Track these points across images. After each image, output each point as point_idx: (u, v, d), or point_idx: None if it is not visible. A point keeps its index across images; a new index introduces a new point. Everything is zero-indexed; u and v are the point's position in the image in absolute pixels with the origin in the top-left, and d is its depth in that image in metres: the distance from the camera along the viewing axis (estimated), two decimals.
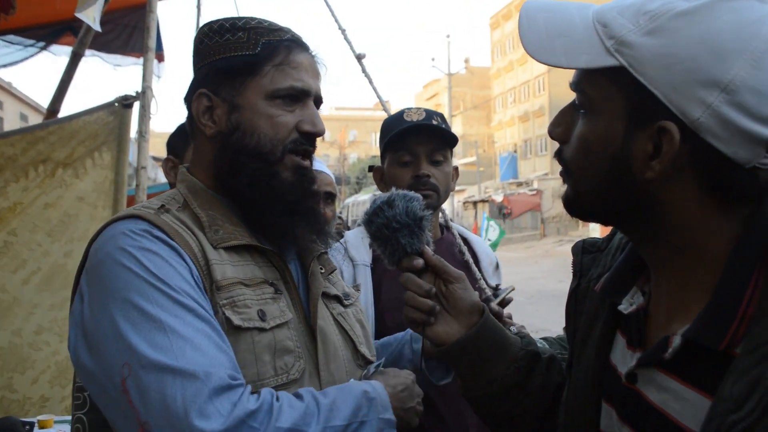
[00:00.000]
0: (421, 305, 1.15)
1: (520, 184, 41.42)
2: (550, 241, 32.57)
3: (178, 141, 2.30)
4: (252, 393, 1.06)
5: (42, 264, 3.38)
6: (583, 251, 1.13)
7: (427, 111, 2.01)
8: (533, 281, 14.88)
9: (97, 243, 1.17)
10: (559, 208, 36.24)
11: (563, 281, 17.46)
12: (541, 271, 19.18)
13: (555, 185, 37.09)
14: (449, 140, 2.00)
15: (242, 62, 1.25)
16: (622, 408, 0.93)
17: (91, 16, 3.14)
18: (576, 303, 1.11)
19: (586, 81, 0.90)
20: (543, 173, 41.69)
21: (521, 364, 1.16)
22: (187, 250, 1.15)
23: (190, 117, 1.32)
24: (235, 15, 1.34)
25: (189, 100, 1.32)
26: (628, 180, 0.87)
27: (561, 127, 0.96)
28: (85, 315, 1.10)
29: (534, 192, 36.72)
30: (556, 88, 45.07)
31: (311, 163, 1.33)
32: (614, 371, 0.97)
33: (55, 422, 2.78)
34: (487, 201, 38.72)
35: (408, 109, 2.03)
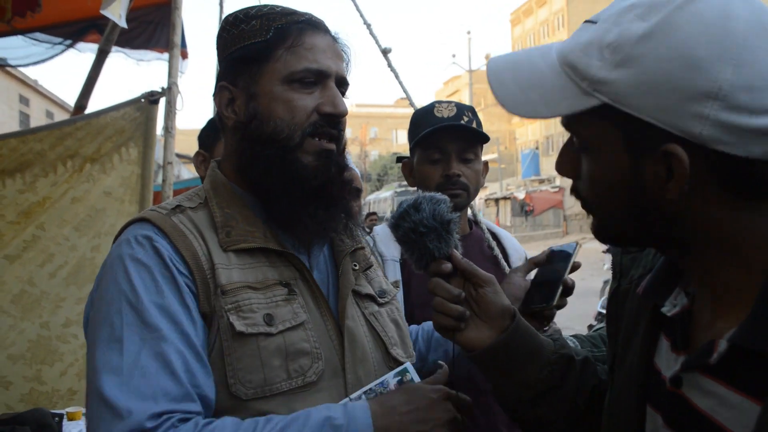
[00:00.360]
0: (451, 311, 1.11)
1: (542, 181, 41.13)
2: (572, 238, 32.28)
3: (208, 135, 2.31)
4: (184, 422, 1.03)
5: (69, 258, 3.42)
6: (623, 251, 1.10)
7: (458, 105, 1.98)
8: None
9: (112, 246, 1.21)
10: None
11: (585, 279, 17.23)
12: None
13: None
14: (480, 138, 1.97)
15: (255, 49, 1.24)
16: (668, 413, 0.90)
17: (117, 13, 3.16)
18: (617, 305, 1.08)
19: (576, 123, 0.88)
20: None
21: (554, 367, 1.13)
22: (188, 255, 1.15)
23: (216, 112, 1.32)
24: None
25: (213, 95, 1.32)
26: (649, 206, 0.84)
27: (567, 165, 0.93)
28: (89, 318, 1.16)
29: (556, 189, 36.40)
30: None
31: (340, 148, 1.29)
32: (659, 375, 0.94)
33: (84, 414, 2.81)
34: (509, 198, 38.51)
35: (438, 103, 2.00)
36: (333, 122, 1.25)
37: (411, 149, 2.04)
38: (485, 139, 1.98)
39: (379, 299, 1.35)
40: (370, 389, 1.17)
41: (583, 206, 0.94)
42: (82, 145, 3.37)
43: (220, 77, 1.29)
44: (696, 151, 0.78)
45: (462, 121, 1.93)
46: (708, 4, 0.77)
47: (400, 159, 2.12)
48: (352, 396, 1.15)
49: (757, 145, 0.77)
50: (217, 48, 1.32)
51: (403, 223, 1.16)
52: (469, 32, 40.82)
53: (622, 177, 0.84)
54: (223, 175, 1.30)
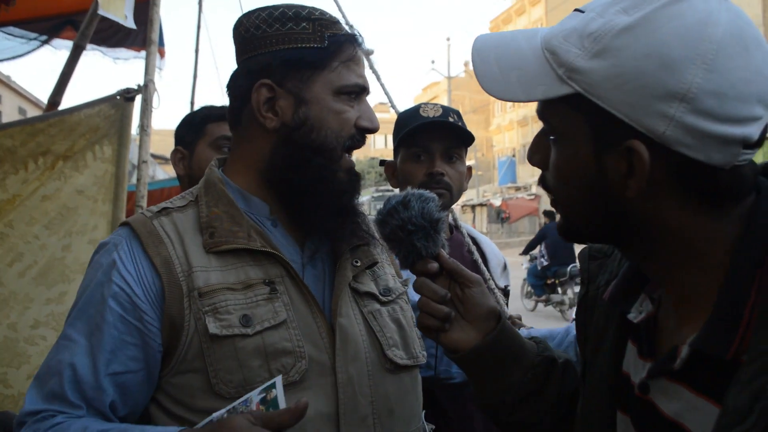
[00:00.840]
0: (437, 312, 1.11)
1: (518, 189, 41.43)
2: None
3: (187, 132, 2.27)
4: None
5: (39, 257, 3.33)
6: (590, 258, 1.10)
7: (444, 107, 1.98)
8: None
9: None
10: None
11: None
12: None
13: None
14: (465, 138, 1.96)
15: (311, 55, 1.24)
16: (637, 419, 0.91)
17: (122, 14, 3.10)
18: (585, 311, 1.08)
19: (548, 110, 0.89)
20: None
21: (538, 371, 1.13)
22: (158, 261, 1.18)
23: (236, 107, 1.29)
24: (243, 8, 1.32)
25: (237, 88, 1.28)
26: (610, 201, 0.85)
27: (538, 155, 0.94)
28: None
29: (532, 197, 36.72)
30: None
31: None
32: (628, 380, 0.94)
33: None
34: (485, 205, 38.73)
35: (424, 104, 2.00)
36: (365, 136, 1.30)
37: (395, 149, 2.03)
38: (470, 139, 1.97)
39: (381, 297, 1.32)
40: (234, 407, 1.06)
41: (551, 202, 0.95)
42: (54, 142, 3.28)
43: (256, 73, 1.25)
44: (658, 151, 0.79)
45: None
46: (692, 6, 0.78)
47: (383, 162, 2.12)
48: (214, 415, 1.06)
49: (718, 152, 0.78)
50: (251, 40, 1.27)
51: (391, 220, 1.14)
52: (448, 39, 41.15)
53: (586, 169, 0.85)
54: (222, 173, 1.30)
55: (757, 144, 0.80)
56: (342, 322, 1.23)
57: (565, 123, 0.87)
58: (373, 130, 1.30)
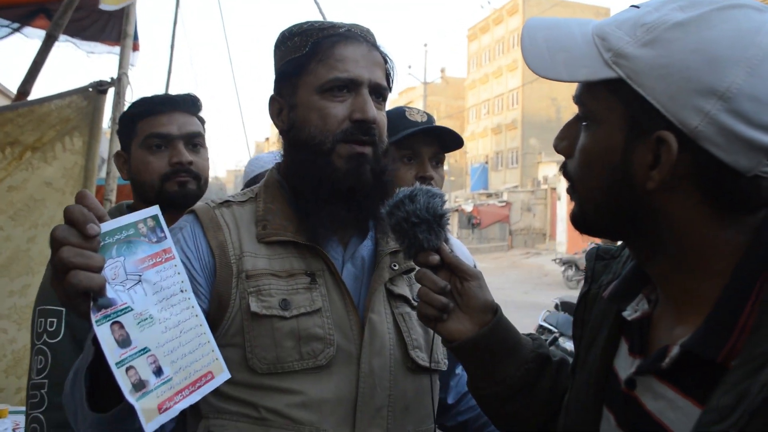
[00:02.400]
0: (435, 302, 1.16)
1: (489, 195, 41.82)
2: (517, 252, 32.96)
3: (122, 132, 2.01)
4: None
5: (3, 248, 3.27)
6: (597, 258, 1.14)
7: (426, 113, 2.02)
8: (499, 291, 15.04)
9: None
10: (526, 221, 36.66)
11: (528, 292, 17.65)
12: (507, 282, 19.38)
13: (524, 198, 37.48)
14: (455, 145, 2.02)
15: (293, 64, 1.35)
16: (621, 414, 0.93)
17: None
18: (584, 308, 1.12)
19: (587, 93, 0.91)
20: (513, 185, 42.15)
21: (531, 366, 1.16)
22: (214, 243, 1.30)
23: None
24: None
25: None
26: (629, 191, 0.87)
27: (565, 141, 0.96)
28: None
29: (503, 204, 37.11)
30: (529, 103, 45.70)
31: (378, 152, 1.36)
32: (616, 377, 0.97)
33: (10, 413, 2.70)
34: (457, 210, 38.95)
35: (408, 108, 2.03)
36: (363, 128, 1.32)
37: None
38: (461, 145, 2.04)
39: (413, 302, 1.40)
40: None
41: (569, 189, 0.98)
42: (23, 132, 3.22)
43: (274, 90, 1.42)
44: (686, 146, 0.81)
45: None
46: (746, 14, 0.81)
47: None
48: None
49: (745, 157, 0.80)
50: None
51: (397, 212, 1.19)
52: (425, 45, 41.24)
53: (612, 156, 0.88)
54: (279, 175, 1.43)
55: None
56: (373, 318, 1.32)
57: (601, 107, 0.88)
58: (366, 122, 1.31)
